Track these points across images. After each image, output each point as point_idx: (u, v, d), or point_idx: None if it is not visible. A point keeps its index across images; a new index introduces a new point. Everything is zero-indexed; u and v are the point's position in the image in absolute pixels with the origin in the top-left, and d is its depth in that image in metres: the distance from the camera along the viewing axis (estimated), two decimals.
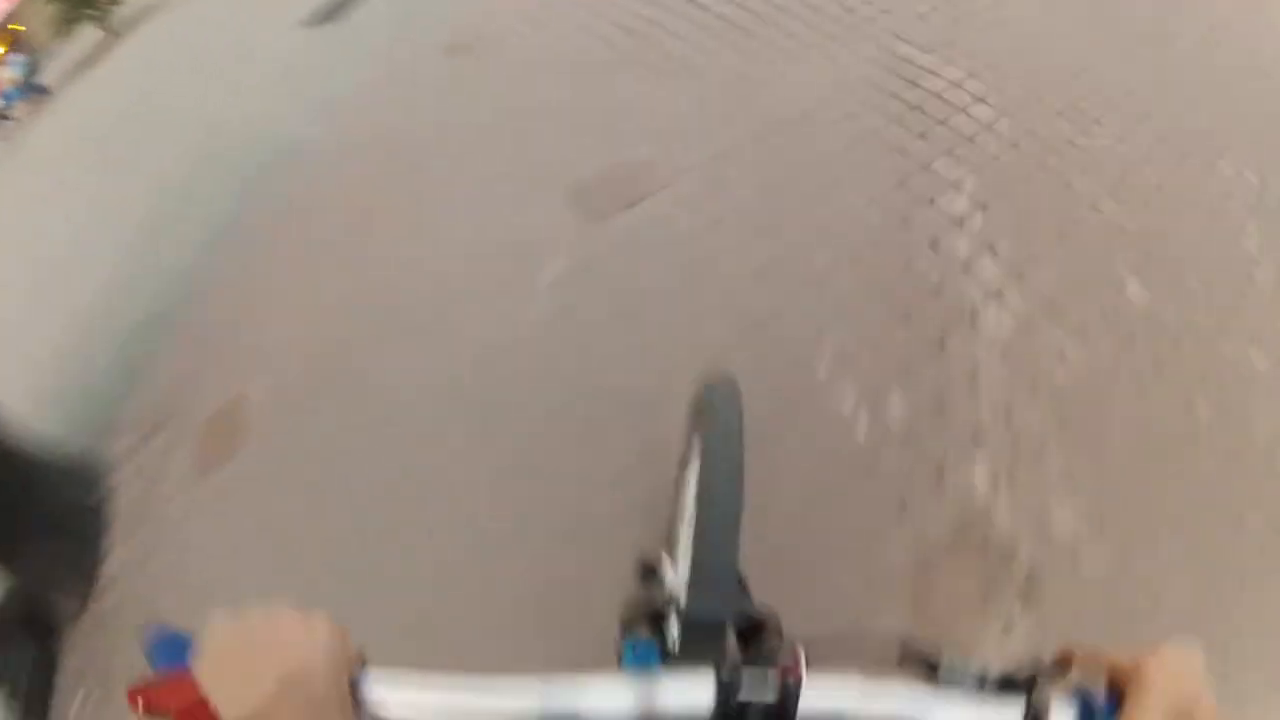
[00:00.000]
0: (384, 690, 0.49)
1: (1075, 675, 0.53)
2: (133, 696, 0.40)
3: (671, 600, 0.79)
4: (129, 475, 2.23)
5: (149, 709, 0.40)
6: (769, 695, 0.50)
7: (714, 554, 0.77)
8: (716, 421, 0.91)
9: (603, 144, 2.70)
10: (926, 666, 0.54)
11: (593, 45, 3.19)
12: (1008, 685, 0.52)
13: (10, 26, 15.10)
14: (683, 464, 1.06)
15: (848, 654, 0.56)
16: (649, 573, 0.98)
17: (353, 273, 2.54)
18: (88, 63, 8.89)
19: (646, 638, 0.75)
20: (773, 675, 0.50)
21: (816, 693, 0.50)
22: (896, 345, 1.90)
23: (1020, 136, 2.36)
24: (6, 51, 12.79)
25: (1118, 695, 0.50)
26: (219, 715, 0.39)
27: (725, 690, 0.50)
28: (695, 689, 0.50)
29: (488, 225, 2.51)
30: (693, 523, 0.82)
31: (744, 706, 0.50)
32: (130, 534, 2.10)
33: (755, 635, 0.61)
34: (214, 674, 0.41)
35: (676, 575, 0.92)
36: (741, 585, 0.90)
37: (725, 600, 0.74)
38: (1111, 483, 1.61)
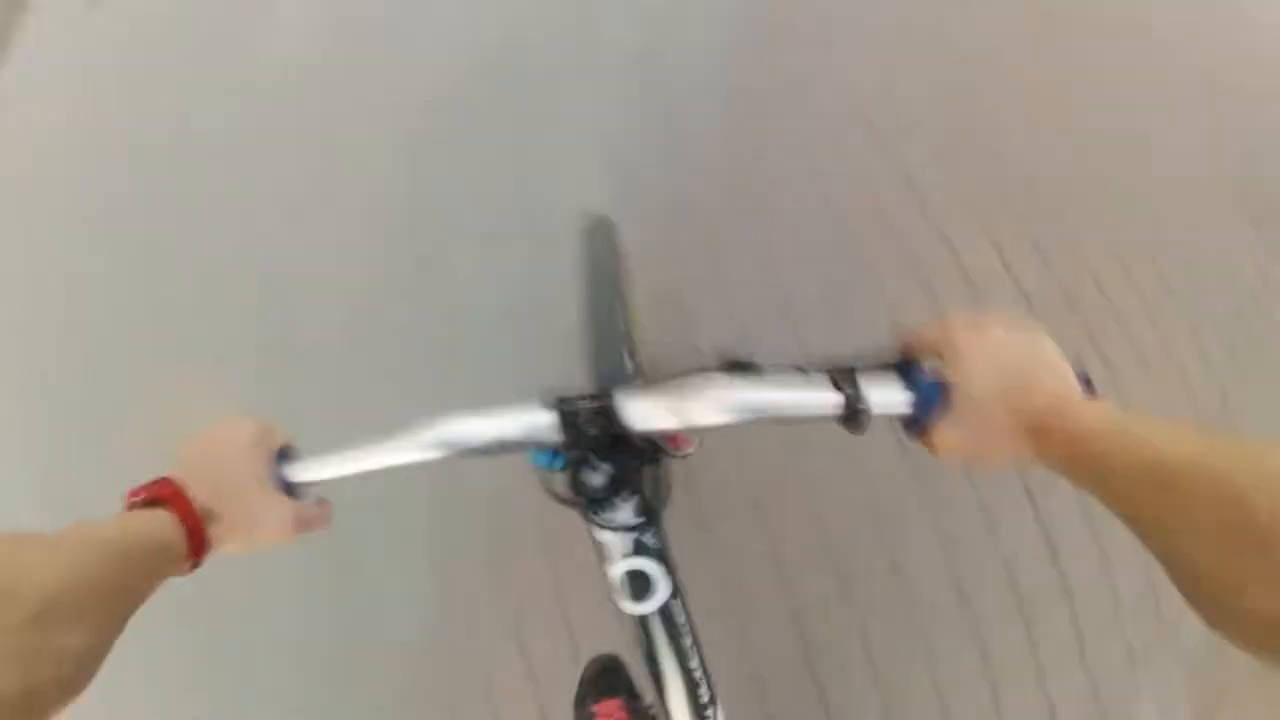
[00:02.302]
0: (298, 472, 0.59)
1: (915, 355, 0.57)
2: (131, 495, 0.53)
3: None
4: None
5: (146, 497, 0.52)
6: (591, 406, 0.57)
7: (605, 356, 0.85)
8: (594, 257, 0.99)
9: None
10: (744, 367, 0.60)
11: None
12: (829, 373, 0.57)
13: None
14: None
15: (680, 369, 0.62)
16: None
17: None
18: None
19: None
20: (594, 401, 0.57)
21: (636, 405, 0.57)
22: None
23: None
24: None
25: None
26: (191, 498, 0.53)
27: (563, 415, 0.57)
28: (532, 416, 0.57)
29: None
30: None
31: (579, 423, 0.57)
32: None
33: None
34: (183, 473, 0.55)
35: None
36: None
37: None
38: None
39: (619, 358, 0.83)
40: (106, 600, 0.43)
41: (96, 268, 2.32)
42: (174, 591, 0.50)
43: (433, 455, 0.58)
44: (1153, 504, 0.40)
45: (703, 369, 0.63)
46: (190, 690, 1.61)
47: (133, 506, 0.52)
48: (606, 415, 0.56)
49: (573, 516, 0.63)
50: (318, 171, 2.25)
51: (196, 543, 0.52)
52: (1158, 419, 0.43)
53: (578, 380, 0.96)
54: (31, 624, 0.37)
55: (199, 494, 0.54)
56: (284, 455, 0.61)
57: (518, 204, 1.98)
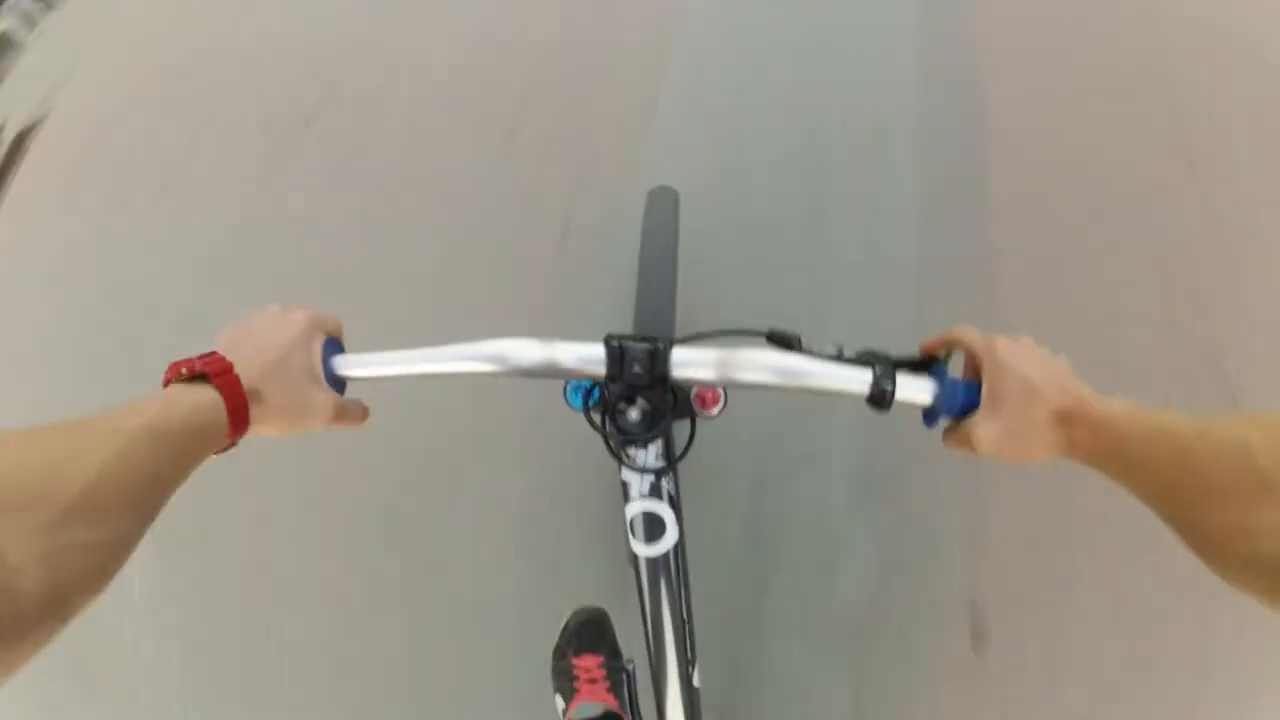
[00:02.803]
0: (347, 366, 0.62)
1: (947, 355, 0.62)
2: (174, 368, 0.52)
3: None
4: None
5: (190, 371, 0.52)
6: (644, 351, 0.61)
7: (651, 317, 0.90)
8: (654, 220, 1.04)
9: None
10: (788, 345, 0.64)
11: None
12: (865, 360, 0.62)
13: None
14: None
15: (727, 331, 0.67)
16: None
17: None
18: None
19: None
20: (648, 343, 0.62)
21: (684, 353, 0.61)
22: None
23: None
24: None
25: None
26: (238, 376, 0.53)
27: (611, 349, 0.61)
28: (587, 348, 0.61)
29: None
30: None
31: (626, 360, 0.61)
32: None
33: None
34: (230, 352, 0.55)
35: None
36: None
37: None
38: None
39: (664, 313, 0.87)
40: (141, 492, 0.42)
41: None
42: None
43: (482, 368, 0.61)
44: (1170, 473, 0.44)
45: (748, 334, 0.68)
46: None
47: (174, 378, 0.52)
48: (654, 359, 0.61)
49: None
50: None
51: (238, 422, 0.52)
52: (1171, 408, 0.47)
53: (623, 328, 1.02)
54: (60, 524, 0.36)
55: (245, 374, 0.53)
56: (333, 347, 0.62)
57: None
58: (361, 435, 0.66)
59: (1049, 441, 0.54)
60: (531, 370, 0.61)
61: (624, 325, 0.86)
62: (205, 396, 0.50)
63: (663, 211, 1.05)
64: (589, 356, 0.61)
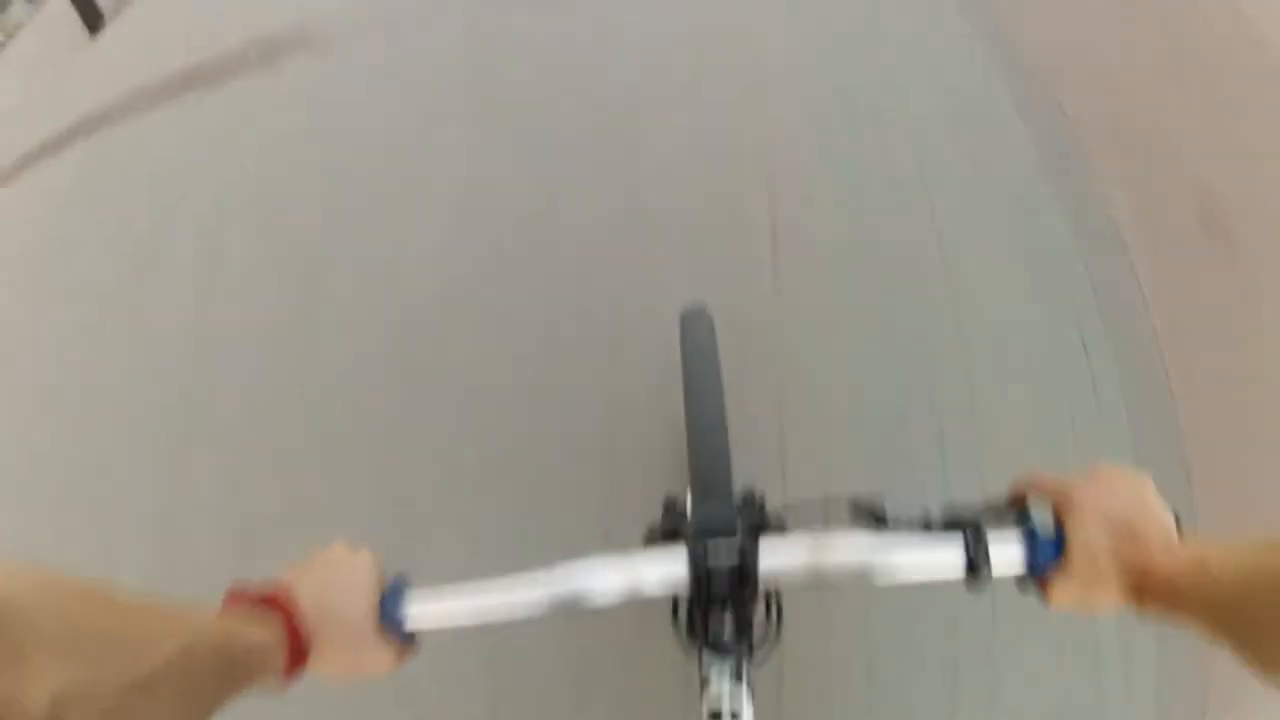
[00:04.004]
0: (412, 617, 0.58)
1: (1030, 504, 0.60)
2: (237, 595, 0.51)
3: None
4: None
5: (250, 601, 0.50)
6: (731, 560, 0.58)
7: (710, 470, 0.86)
8: (693, 350, 1.01)
9: None
10: (874, 517, 0.62)
11: None
12: (952, 525, 0.59)
13: None
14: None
15: (810, 517, 0.64)
16: (671, 505, 1.10)
17: None
18: None
19: None
20: (733, 543, 0.59)
21: (773, 551, 0.59)
22: None
23: None
24: None
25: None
26: (301, 609, 0.52)
27: (694, 557, 0.58)
28: (670, 560, 0.59)
29: None
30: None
31: (710, 572, 0.58)
32: None
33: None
34: (292, 591, 0.53)
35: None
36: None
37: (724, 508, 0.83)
38: None
39: (723, 463, 0.83)
40: (194, 696, 0.40)
41: None
42: None
43: (560, 605, 0.58)
44: (1237, 621, 0.45)
45: (829, 504, 0.65)
46: None
47: (234, 602, 0.50)
48: (743, 565, 0.58)
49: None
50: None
51: (296, 661, 0.50)
52: (1231, 542, 0.48)
53: (676, 480, 0.95)
54: (120, 697, 0.35)
55: (307, 618, 0.52)
56: (396, 592, 0.59)
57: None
58: None
59: (1120, 598, 0.54)
60: (614, 602, 0.58)
61: None
62: (266, 634, 0.49)
63: (700, 337, 1.02)
64: (672, 575, 0.58)
